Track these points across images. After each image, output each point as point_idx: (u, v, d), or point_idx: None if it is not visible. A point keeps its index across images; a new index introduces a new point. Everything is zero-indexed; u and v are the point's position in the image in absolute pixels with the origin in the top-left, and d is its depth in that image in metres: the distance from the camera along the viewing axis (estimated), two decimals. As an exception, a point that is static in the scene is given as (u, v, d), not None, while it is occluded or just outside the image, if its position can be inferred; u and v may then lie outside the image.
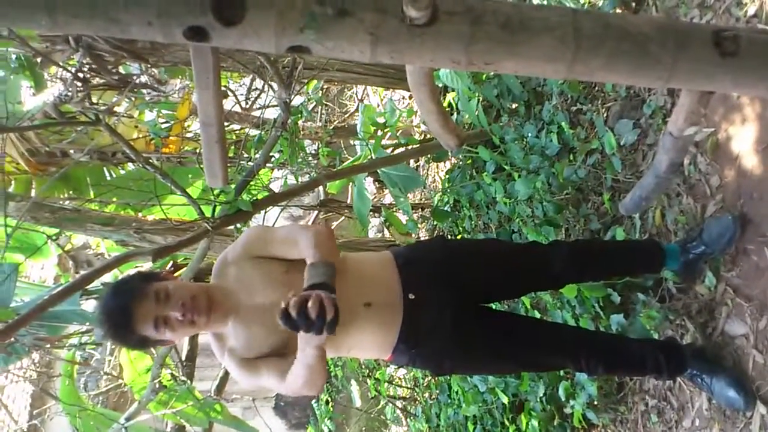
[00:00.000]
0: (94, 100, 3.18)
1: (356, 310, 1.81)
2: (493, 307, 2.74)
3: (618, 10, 2.64)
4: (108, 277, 3.89)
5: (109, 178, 3.99)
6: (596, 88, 2.98)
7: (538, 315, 3.06)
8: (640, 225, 2.58)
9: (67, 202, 3.72)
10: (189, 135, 4.21)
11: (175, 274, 3.91)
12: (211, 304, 1.78)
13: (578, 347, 2.06)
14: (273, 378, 1.80)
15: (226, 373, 4.19)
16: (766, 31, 1.85)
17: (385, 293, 1.86)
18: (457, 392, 3.78)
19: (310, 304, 1.52)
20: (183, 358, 4.04)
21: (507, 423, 3.30)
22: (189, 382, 3.93)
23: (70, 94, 2.96)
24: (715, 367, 2.12)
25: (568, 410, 2.96)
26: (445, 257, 2.00)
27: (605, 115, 2.85)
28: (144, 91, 3.47)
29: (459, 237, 3.96)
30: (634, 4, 2.70)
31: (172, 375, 3.72)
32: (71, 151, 3.67)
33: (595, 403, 2.80)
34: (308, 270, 1.70)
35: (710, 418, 2.26)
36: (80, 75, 3.00)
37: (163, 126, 3.88)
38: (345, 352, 1.93)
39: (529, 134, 3.17)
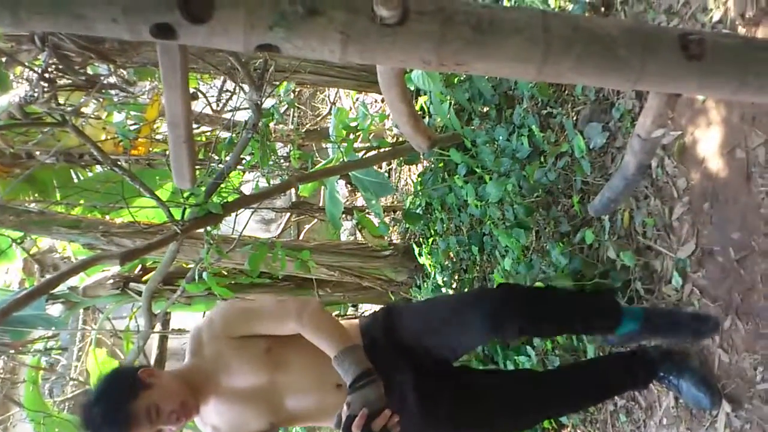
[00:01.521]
0: (61, 101, 3.12)
1: (329, 393, 1.83)
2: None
3: (587, 15, 2.68)
4: (74, 280, 3.83)
5: (76, 180, 3.92)
6: (566, 91, 3.01)
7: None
8: (609, 227, 2.61)
9: (32, 205, 3.64)
10: (158, 137, 4.15)
11: (144, 278, 3.86)
12: (198, 396, 1.79)
13: (553, 401, 2.09)
14: None
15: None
16: (730, 35, 1.89)
17: None
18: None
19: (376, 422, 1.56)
20: (152, 363, 3.97)
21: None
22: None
23: (35, 94, 2.89)
24: (682, 368, 2.15)
25: (539, 411, 2.98)
26: (388, 331, 1.98)
27: (575, 118, 2.89)
28: (112, 92, 3.42)
29: (430, 245, 3.97)
30: (603, 9, 2.74)
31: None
32: (37, 153, 3.59)
33: (566, 403, 2.82)
34: (340, 360, 1.70)
35: (677, 417, 2.30)
36: (46, 75, 2.94)
37: (132, 128, 3.82)
38: (323, 423, 1.93)
39: (500, 137, 3.19)
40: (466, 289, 3.62)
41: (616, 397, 2.59)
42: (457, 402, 1.96)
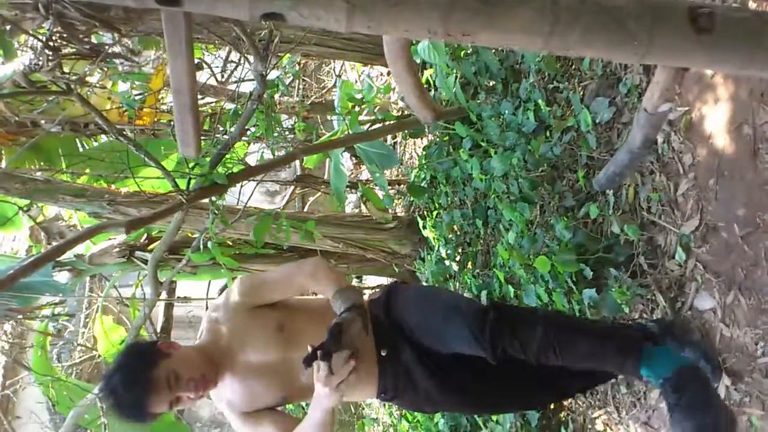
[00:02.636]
0: (66, 69, 3.11)
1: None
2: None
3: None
4: (80, 248, 3.86)
5: (81, 149, 3.92)
6: (573, 66, 2.98)
7: (512, 290, 3.09)
8: (613, 201, 2.61)
9: (38, 173, 3.65)
10: (163, 107, 4.14)
11: (149, 247, 3.89)
12: (216, 369, 1.83)
13: (559, 380, 2.10)
14: None
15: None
16: (740, 9, 1.87)
17: (361, 349, 1.86)
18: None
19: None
20: (158, 330, 4.02)
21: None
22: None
23: (40, 62, 2.88)
24: (684, 341, 2.16)
25: (539, 383, 3.01)
26: (391, 312, 2.02)
27: (581, 93, 2.87)
28: (117, 61, 3.40)
29: (434, 218, 3.98)
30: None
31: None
32: (42, 122, 3.59)
33: (566, 376, 2.85)
34: (335, 298, 1.77)
35: (677, 391, 2.32)
36: (51, 44, 2.92)
37: (137, 97, 3.81)
38: None
39: (506, 111, 3.18)
40: (469, 264, 3.64)
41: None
42: (468, 374, 1.99)
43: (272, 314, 1.91)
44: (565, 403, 3.00)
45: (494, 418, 3.13)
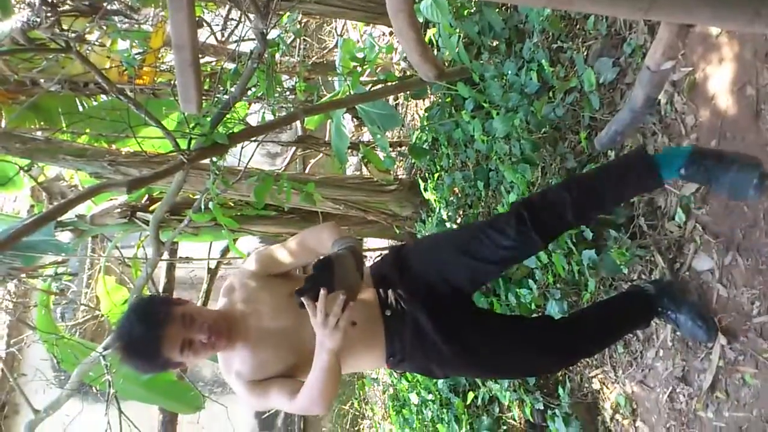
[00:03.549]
0: (65, 27, 3.08)
1: (345, 331, 1.84)
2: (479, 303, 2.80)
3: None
4: (82, 208, 3.87)
5: (81, 108, 3.90)
6: (577, 25, 2.95)
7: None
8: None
9: (38, 133, 3.64)
10: (163, 66, 4.10)
11: (151, 208, 3.90)
12: (230, 326, 1.84)
13: (567, 347, 2.11)
14: (283, 396, 1.83)
15: (204, 304, 4.23)
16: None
17: (366, 312, 1.93)
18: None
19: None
20: (160, 290, 4.06)
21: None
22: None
23: (38, 19, 2.85)
24: (681, 302, 2.19)
25: (537, 343, 3.05)
26: (401, 268, 2.02)
27: (585, 53, 2.84)
28: (116, 18, 3.37)
29: (435, 180, 3.98)
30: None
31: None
32: (41, 80, 3.57)
33: (564, 336, 2.89)
34: (334, 246, 1.81)
35: (674, 349, 2.36)
36: (49, 0, 2.89)
37: (136, 56, 3.78)
38: (346, 368, 1.94)
39: (509, 72, 3.15)
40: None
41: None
42: (477, 337, 1.99)
43: (286, 283, 1.94)
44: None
45: (494, 377, 3.18)
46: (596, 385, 2.82)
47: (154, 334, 1.72)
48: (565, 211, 1.85)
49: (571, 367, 2.96)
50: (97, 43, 3.49)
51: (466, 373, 2.14)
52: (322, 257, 1.72)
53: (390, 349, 1.95)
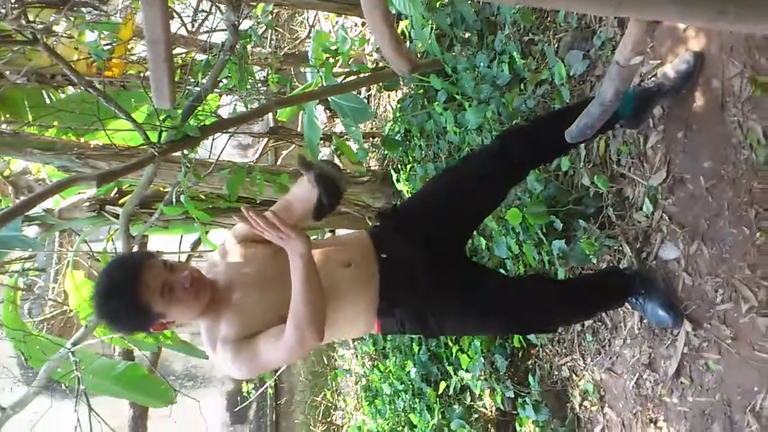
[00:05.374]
0: (31, 18, 3.01)
1: (338, 271, 1.86)
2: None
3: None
4: (49, 203, 3.81)
5: (48, 101, 3.83)
6: (548, 18, 2.98)
7: (483, 241, 3.15)
8: (585, 154, 2.65)
9: (4, 126, 3.57)
10: (132, 58, 4.05)
11: (120, 201, 3.85)
12: (215, 293, 1.80)
13: (560, 304, 2.16)
14: (271, 342, 1.73)
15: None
16: (713, -37, 1.88)
17: (360, 253, 1.93)
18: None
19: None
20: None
21: (450, 344, 3.44)
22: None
23: (4, 10, 2.79)
24: (648, 290, 2.24)
25: (509, 332, 3.10)
26: (400, 221, 2.06)
27: (556, 46, 2.88)
28: (84, 10, 3.30)
29: (408, 171, 4.00)
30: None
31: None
32: (7, 72, 3.49)
33: (536, 325, 2.94)
34: (308, 175, 1.83)
35: (640, 336, 2.42)
36: (14, -10, 2.82)
37: (105, 48, 3.71)
38: (334, 331, 1.91)
39: (481, 64, 3.18)
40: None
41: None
42: (472, 285, 2.02)
43: (269, 245, 1.85)
44: (532, 351, 3.10)
45: (464, 365, 3.22)
46: (565, 373, 2.87)
47: (135, 275, 1.67)
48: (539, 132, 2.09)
49: (540, 355, 3.02)
50: (64, 34, 3.43)
51: (461, 326, 2.09)
52: (315, 174, 1.77)
53: (383, 293, 1.90)
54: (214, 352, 1.81)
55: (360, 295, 1.89)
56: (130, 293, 1.67)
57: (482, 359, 3.17)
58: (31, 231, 3.84)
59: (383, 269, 1.91)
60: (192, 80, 3.39)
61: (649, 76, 2.19)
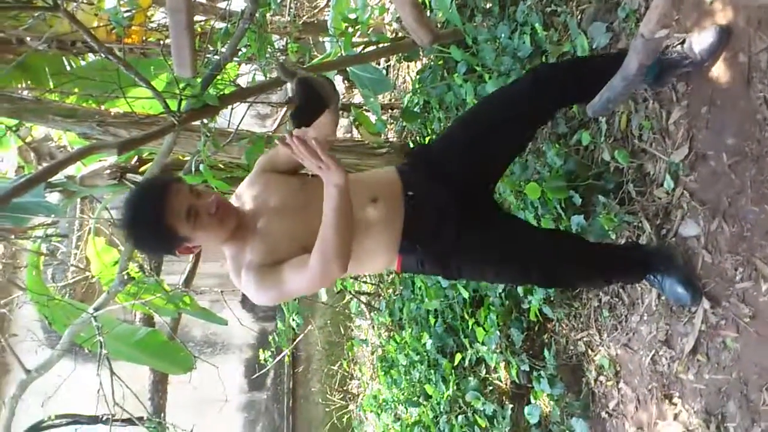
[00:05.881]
0: (51, -17, 3.01)
1: (365, 205, 1.86)
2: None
3: None
4: (71, 170, 3.85)
5: (69, 68, 3.85)
6: (572, -12, 2.93)
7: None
8: (606, 129, 2.62)
9: (25, 92, 3.59)
10: (152, 25, 4.04)
11: (140, 169, 3.88)
12: (241, 221, 1.81)
13: (582, 260, 2.15)
14: (295, 271, 1.72)
15: (194, 266, 4.24)
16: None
17: (388, 189, 1.92)
18: (420, 288, 3.91)
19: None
20: (151, 253, 4.05)
21: (467, 317, 3.46)
22: (157, 276, 3.98)
23: (24, -24, 2.79)
24: (667, 266, 2.22)
25: (525, 305, 3.11)
26: (429, 160, 2.05)
27: (579, 17, 2.82)
28: (104, -24, 3.30)
29: (425, 143, 3.98)
30: None
31: (140, 267, 3.76)
32: (28, 39, 3.50)
33: (551, 299, 2.94)
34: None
35: (657, 313, 2.41)
36: (34, -45, 2.82)
37: (125, 15, 3.71)
38: (356, 265, 1.90)
39: (502, 35, 3.13)
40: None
41: (600, 293, 2.70)
42: (499, 230, 2.03)
43: (297, 176, 1.92)
44: (548, 325, 3.10)
45: (479, 338, 3.23)
46: (581, 348, 2.88)
47: (159, 197, 1.69)
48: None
49: (556, 330, 3.02)
50: (84, 1, 3.42)
51: (481, 269, 2.07)
52: (296, 80, 1.76)
53: (407, 231, 1.90)
54: (239, 278, 1.81)
55: (384, 231, 1.89)
56: (155, 216, 1.68)
57: (498, 332, 3.18)
58: (54, 197, 3.89)
59: (409, 207, 1.91)
60: (211, 49, 3.38)
61: (673, 46, 2.15)
